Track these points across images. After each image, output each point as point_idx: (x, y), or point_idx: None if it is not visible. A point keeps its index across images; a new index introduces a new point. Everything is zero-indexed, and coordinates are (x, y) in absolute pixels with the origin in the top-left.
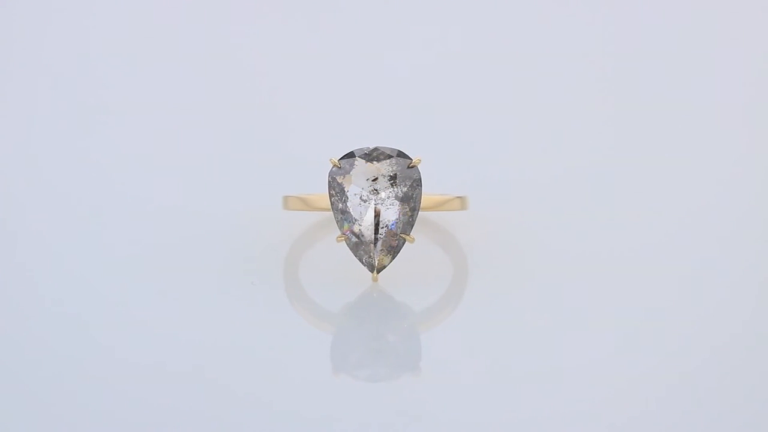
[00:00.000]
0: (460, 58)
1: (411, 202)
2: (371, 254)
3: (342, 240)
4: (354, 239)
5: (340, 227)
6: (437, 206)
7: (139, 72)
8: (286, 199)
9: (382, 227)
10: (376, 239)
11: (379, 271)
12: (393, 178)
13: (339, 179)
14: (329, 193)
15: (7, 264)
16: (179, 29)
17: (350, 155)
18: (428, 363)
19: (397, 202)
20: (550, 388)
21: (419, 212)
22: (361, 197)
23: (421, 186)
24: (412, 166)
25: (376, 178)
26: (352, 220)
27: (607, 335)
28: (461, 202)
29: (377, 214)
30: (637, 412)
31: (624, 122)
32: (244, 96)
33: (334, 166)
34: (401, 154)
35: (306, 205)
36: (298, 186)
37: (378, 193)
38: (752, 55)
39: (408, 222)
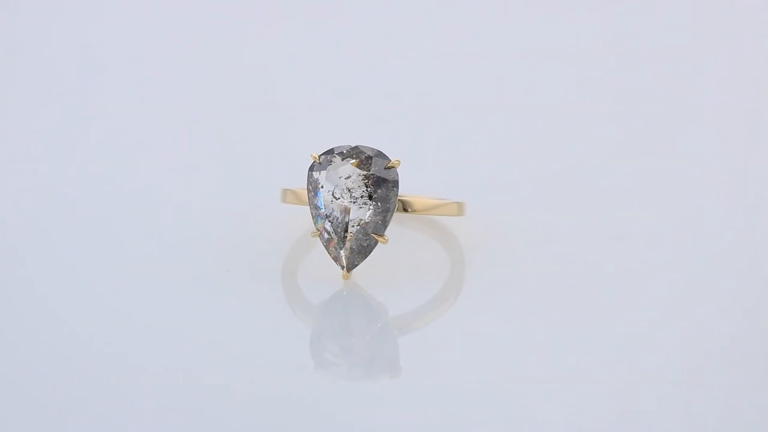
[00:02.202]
0: (460, 59)
1: (385, 203)
2: (340, 252)
3: (316, 236)
4: (326, 236)
5: (315, 223)
6: (433, 209)
7: (136, 72)
8: (284, 192)
9: (352, 226)
10: (344, 237)
11: (349, 270)
12: (367, 178)
13: (315, 175)
14: (307, 188)
15: (4, 263)
16: (176, 29)
17: (330, 152)
18: (418, 363)
19: (370, 202)
20: (545, 389)
21: (418, 214)
22: (333, 194)
23: (397, 188)
24: (390, 167)
25: (350, 176)
26: (323, 217)
27: (605, 336)
28: (458, 208)
29: (347, 212)
30: (634, 413)
31: (623, 122)
32: (243, 95)
33: (315, 161)
34: (380, 155)
35: (298, 199)
36: (298, 182)
37: (350, 192)
38: (753, 55)
39: (381, 222)
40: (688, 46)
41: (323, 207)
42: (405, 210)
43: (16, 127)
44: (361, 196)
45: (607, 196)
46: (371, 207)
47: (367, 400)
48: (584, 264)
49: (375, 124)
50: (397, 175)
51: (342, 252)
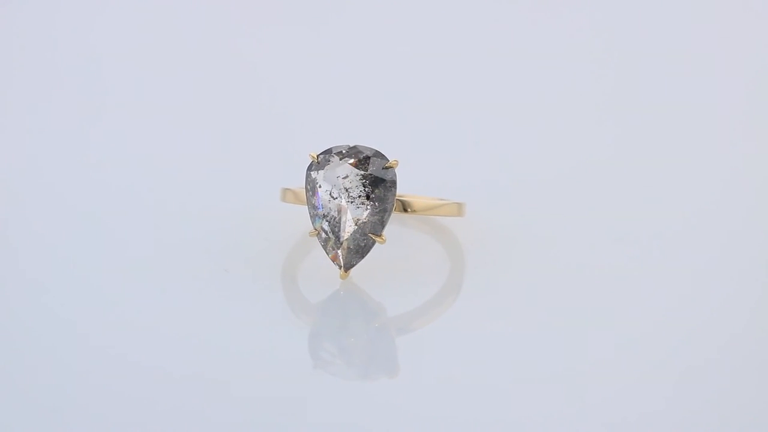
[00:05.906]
0: (462, 59)
1: (383, 203)
2: (338, 252)
3: (314, 235)
4: (324, 236)
5: (313, 223)
6: (433, 210)
7: (136, 71)
8: (283, 191)
9: (350, 226)
10: (341, 237)
11: (347, 269)
12: (365, 178)
13: (313, 174)
14: (305, 187)
15: (4, 263)
16: (176, 28)
17: (328, 151)
18: (414, 363)
19: (368, 202)
20: (545, 390)
21: (418, 214)
22: (330, 194)
23: (395, 187)
24: (388, 167)
25: (347, 176)
26: (321, 217)
27: (605, 337)
28: (458, 208)
29: (344, 212)
30: (635, 414)
31: (624, 123)
32: (242, 94)
33: (313, 161)
34: (378, 154)
35: (297, 198)
36: (298, 182)
37: (348, 191)
38: (753, 55)
39: (378, 222)
40: (691, 47)
41: (321, 207)
42: (405, 210)
43: (16, 126)
44: (359, 196)
45: (608, 196)
46: (369, 207)
47: (365, 400)
48: (584, 264)
49: (375, 123)
50: (395, 175)
51: (339, 252)
